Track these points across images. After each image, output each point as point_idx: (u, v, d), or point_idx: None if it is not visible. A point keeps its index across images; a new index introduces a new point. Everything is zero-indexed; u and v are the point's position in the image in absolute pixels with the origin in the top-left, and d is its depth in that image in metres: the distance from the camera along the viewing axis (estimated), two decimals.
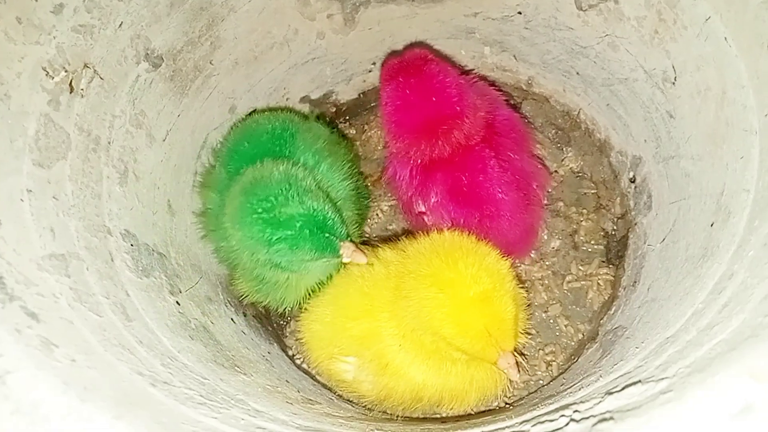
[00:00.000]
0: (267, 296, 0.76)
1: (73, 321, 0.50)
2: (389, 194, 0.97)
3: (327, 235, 0.67)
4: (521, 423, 0.51)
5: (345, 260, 0.69)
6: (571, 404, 0.47)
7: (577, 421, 0.42)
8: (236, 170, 0.74)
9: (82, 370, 0.45)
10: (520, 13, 0.86)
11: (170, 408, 0.47)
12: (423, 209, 0.81)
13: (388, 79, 0.78)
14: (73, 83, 0.63)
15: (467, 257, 0.63)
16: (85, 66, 0.64)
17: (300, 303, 0.76)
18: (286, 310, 0.79)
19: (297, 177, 0.68)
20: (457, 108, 0.75)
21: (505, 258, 0.66)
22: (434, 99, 0.75)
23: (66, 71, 0.62)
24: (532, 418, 0.50)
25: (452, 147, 0.77)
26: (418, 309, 0.62)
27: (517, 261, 0.90)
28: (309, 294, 0.75)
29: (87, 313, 0.53)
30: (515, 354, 0.63)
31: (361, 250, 0.69)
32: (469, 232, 0.77)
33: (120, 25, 0.67)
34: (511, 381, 0.69)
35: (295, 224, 0.65)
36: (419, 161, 0.78)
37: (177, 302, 0.69)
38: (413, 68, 0.77)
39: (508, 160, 0.80)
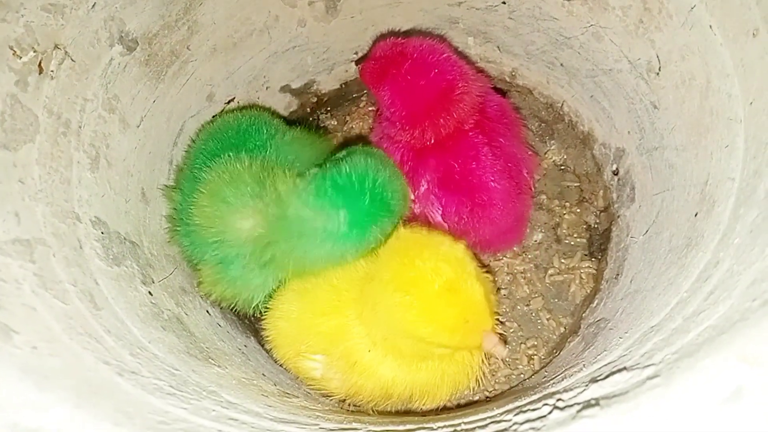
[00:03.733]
0: (242, 292, 0.73)
1: (36, 308, 0.48)
2: None
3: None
4: (503, 413, 0.49)
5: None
6: (555, 393, 0.46)
7: (561, 409, 0.41)
8: (201, 168, 0.73)
9: (43, 358, 0.43)
10: (504, 2, 0.85)
11: (137, 398, 0.45)
12: (412, 197, 0.79)
13: (379, 78, 0.77)
14: (42, 64, 0.60)
15: (422, 252, 0.61)
16: (56, 47, 0.62)
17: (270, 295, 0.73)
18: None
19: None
20: (458, 69, 0.75)
21: (462, 243, 0.64)
22: (436, 71, 0.74)
23: (35, 51, 0.59)
24: (514, 408, 0.49)
25: (466, 115, 0.76)
26: (388, 316, 0.61)
27: (500, 253, 0.89)
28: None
29: (52, 301, 0.50)
30: (495, 331, 0.61)
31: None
32: (459, 220, 0.76)
33: (93, 5, 0.64)
34: (496, 360, 0.69)
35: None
36: (411, 147, 0.77)
37: (149, 292, 0.66)
38: (396, 56, 0.75)
39: (500, 146, 0.78)
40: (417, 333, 0.60)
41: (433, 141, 0.76)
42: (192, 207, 0.70)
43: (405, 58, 0.75)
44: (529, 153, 0.86)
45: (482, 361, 0.68)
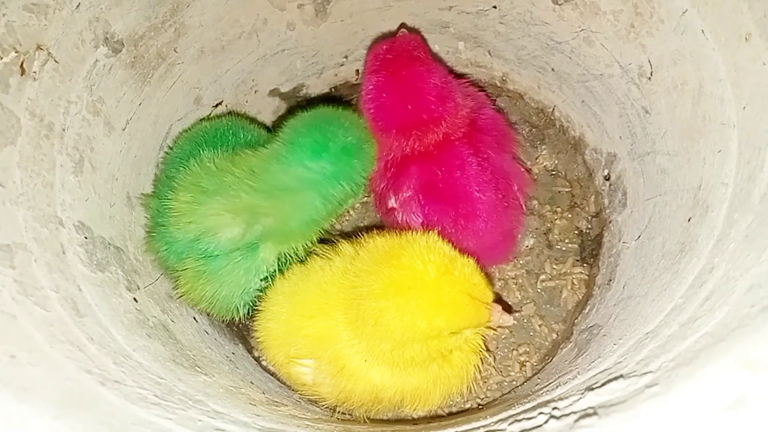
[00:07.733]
0: (222, 288, 0.72)
1: (16, 315, 0.46)
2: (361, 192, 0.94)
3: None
4: (497, 422, 0.48)
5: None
6: (550, 401, 0.45)
7: (557, 418, 0.40)
8: (177, 172, 0.73)
9: (23, 368, 0.41)
10: (495, 7, 0.84)
11: (120, 408, 0.44)
12: (394, 205, 0.78)
13: (374, 68, 0.77)
14: (24, 65, 0.59)
15: (404, 251, 0.61)
16: (39, 48, 0.60)
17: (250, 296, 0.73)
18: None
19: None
20: (436, 110, 0.75)
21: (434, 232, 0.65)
22: (412, 105, 0.74)
23: (17, 52, 0.58)
24: (509, 417, 0.48)
25: (429, 144, 0.76)
26: (397, 325, 0.59)
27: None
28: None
29: (32, 308, 0.49)
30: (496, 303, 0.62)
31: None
32: (442, 231, 0.75)
33: (77, 6, 0.63)
34: (488, 367, 0.71)
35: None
36: (394, 154, 0.77)
37: (134, 299, 0.65)
38: (400, 63, 0.76)
39: (487, 158, 0.77)
40: (432, 327, 0.59)
41: (419, 150, 0.76)
42: (169, 204, 0.70)
43: (401, 69, 0.75)
44: (522, 169, 0.85)
45: (476, 366, 0.67)
